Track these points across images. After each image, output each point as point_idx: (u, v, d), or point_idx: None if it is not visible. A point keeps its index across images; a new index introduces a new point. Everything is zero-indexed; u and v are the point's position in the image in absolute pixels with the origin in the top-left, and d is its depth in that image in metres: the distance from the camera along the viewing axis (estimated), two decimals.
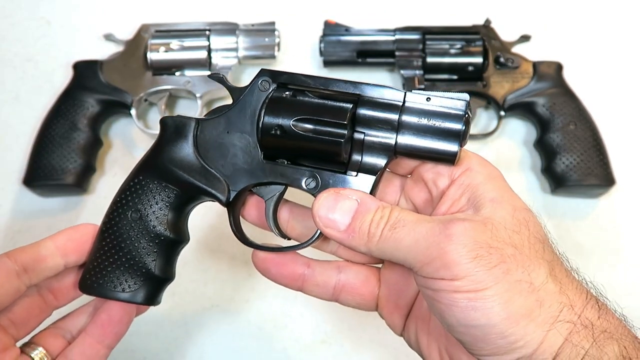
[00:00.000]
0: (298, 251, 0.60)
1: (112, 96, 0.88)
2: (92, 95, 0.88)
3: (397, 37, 0.92)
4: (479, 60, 0.89)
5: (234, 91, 0.58)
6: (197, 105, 0.90)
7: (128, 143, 0.92)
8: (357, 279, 0.60)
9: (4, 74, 0.96)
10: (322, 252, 0.62)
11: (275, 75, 0.57)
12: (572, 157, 0.84)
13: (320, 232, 0.56)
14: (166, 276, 0.60)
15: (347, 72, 0.96)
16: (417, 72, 0.91)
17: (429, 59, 0.90)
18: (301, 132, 0.54)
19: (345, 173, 0.55)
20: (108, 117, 0.91)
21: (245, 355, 0.80)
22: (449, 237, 0.47)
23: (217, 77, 0.59)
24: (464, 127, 0.52)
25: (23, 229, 0.86)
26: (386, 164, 0.55)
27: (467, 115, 0.53)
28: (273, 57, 0.92)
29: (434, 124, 0.53)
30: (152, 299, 0.59)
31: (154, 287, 0.59)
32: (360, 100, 0.55)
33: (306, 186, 0.56)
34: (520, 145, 0.92)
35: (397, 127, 0.54)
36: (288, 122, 0.54)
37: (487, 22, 0.93)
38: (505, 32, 0.93)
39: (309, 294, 0.61)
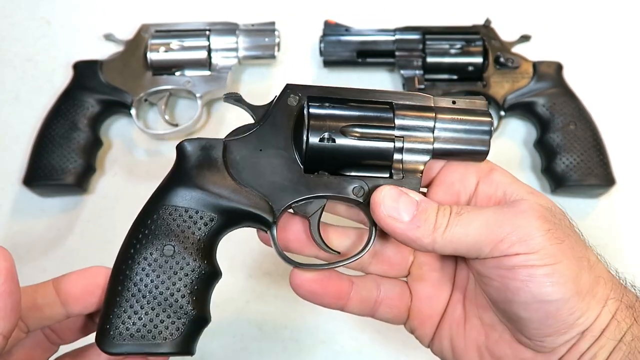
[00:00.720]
0: (337, 269, 0.58)
1: (112, 96, 0.88)
2: (92, 95, 0.88)
3: (397, 37, 0.91)
4: (479, 60, 0.89)
5: (256, 109, 0.57)
6: (197, 105, 0.90)
7: (128, 143, 0.92)
8: (394, 292, 0.60)
9: (4, 74, 0.96)
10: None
11: (303, 89, 0.57)
12: (572, 157, 0.84)
13: (370, 241, 0.56)
14: (205, 317, 0.53)
15: (347, 72, 0.96)
16: (417, 72, 0.91)
17: (429, 59, 0.90)
18: (352, 137, 0.54)
19: (390, 177, 0.56)
20: (108, 117, 0.91)
21: (245, 355, 0.80)
22: (521, 213, 0.49)
23: (235, 98, 0.58)
24: (491, 125, 0.56)
25: (23, 229, 0.86)
26: (425, 163, 0.56)
27: (491, 117, 0.56)
28: (273, 57, 0.92)
29: (465, 124, 0.56)
30: (189, 347, 0.52)
31: (191, 332, 0.52)
32: (395, 107, 0.56)
33: (355, 194, 0.55)
34: (520, 145, 0.92)
35: (433, 130, 0.55)
36: (337, 130, 0.54)
37: (487, 22, 0.93)
38: (505, 32, 0.93)
39: (350, 312, 0.60)
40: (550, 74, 0.90)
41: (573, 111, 0.87)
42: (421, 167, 0.56)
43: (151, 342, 0.50)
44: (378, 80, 0.96)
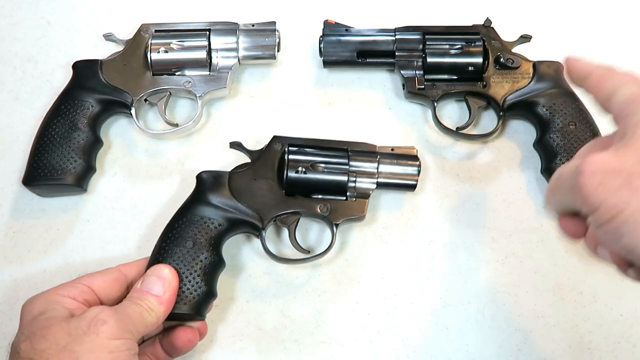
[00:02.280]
0: None
1: (112, 96, 0.88)
2: (92, 95, 0.88)
3: (397, 37, 0.91)
4: (479, 60, 0.89)
5: (252, 153, 0.82)
6: (197, 105, 0.90)
7: (128, 143, 0.92)
8: None
9: (4, 74, 0.96)
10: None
11: (285, 139, 0.82)
12: (572, 157, 0.84)
13: (332, 242, 0.80)
14: (213, 292, 0.76)
15: (347, 73, 0.96)
16: (417, 72, 0.91)
17: (429, 59, 0.90)
18: (318, 171, 0.79)
19: (346, 199, 0.80)
20: (108, 117, 0.91)
21: (244, 356, 0.80)
22: (580, 174, 0.50)
23: (237, 145, 0.83)
24: (418, 167, 0.81)
25: (23, 229, 0.86)
26: (371, 191, 0.80)
27: (418, 161, 0.81)
28: (273, 57, 0.92)
29: (400, 165, 0.81)
30: (201, 311, 0.74)
31: (203, 301, 0.74)
32: (349, 152, 0.81)
33: (320, 211, 0.79)
34: (520, 145, 0.92)
35: (377, 168, 0.80)
36: (308, 165, 0.79)
37: (487, 22, 0.93)
38: (505, 32, 0.93)
39: None
40: (551, 74, 0.89)
41: (573, 111, 0.87)
42: (369, 193, 0.80)
43: (177, 305, 0.71)
44: (378, 80, 0.96)
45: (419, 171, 0.81)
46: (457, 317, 0.81)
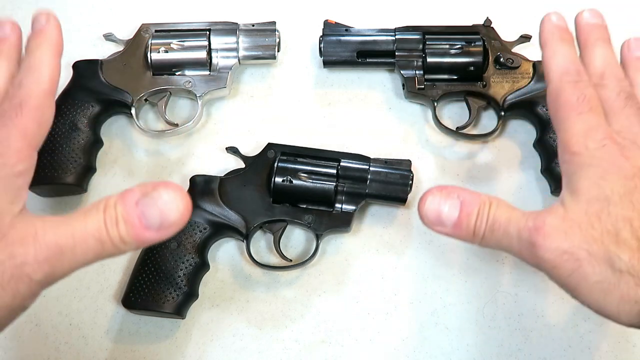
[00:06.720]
0: None
1: (112, 96, 0.88)
2: (92, 95, 0.87)
3: (397, 37, 0.91)
4: (479, 60, 0.89)
5: (247, 159, 0.83)
6: (197, 105, 0.90)
7: (128, 143, 0.92)
8: None
9: None
10: None
11: (279, 147, 0.82)
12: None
13: (315, 252, 0.80)
14: (194, 293, 0.78)
15: (347, 73, 0.96)
16: (417, 72, 0.91)
17: (429, 59, 0.90)
18: (304, 180, 0.79)
19: (332, 210, 0.80)
20: (108, 117, 0.91)
21: (244, 355, 0.80)
22: (533, 246, 0.53)
23: (233, 150, 0.84)
24: (410, 182, 0.80)
25: None
26: (360, 204, 0.80)
27: (412, 174, 0.80)
28: (273, 57, 0.92)
29: (391, 178, 0.79)
30: (181, 311, 0.77)
31: (184, 301, 0.77)
32: (340, 163, 0.80)
33: (306, 220, 0.80)
34: (520, 145, 0.92)
35: (367, 181, 0.79)
36: (295, 174, 0.79)
37: (487, 22, 0.93)
38: (505, 32, 0.93)
39: None
40: None
41: None
42: (356, 206, 0.80)
43: (158, 304, 0.75)
44: (378, 80, 0.96)
45: (410, 185, 0.79)
46: (457, 317, 0.81)
